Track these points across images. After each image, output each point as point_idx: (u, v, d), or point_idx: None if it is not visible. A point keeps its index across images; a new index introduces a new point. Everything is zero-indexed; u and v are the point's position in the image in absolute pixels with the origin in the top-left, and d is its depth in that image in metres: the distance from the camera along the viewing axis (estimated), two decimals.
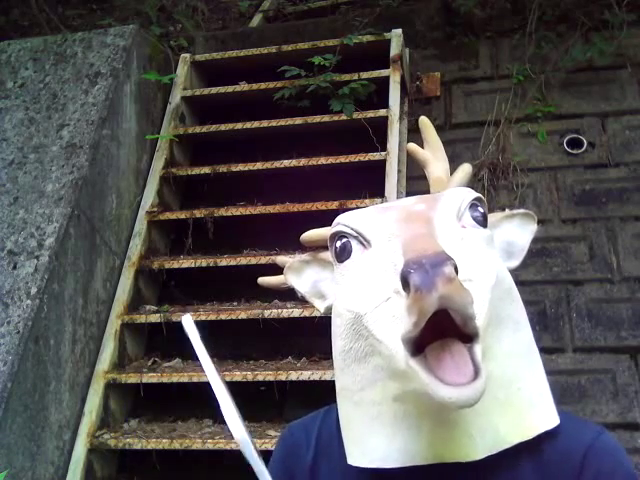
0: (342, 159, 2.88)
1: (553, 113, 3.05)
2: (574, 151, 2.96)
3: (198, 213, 2.93)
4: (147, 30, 3.50)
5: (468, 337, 0.64)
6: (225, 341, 2.78)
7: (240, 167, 3.01)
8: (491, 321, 0.70)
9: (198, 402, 2.65)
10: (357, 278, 0.75)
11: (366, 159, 2.85)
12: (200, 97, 3.34)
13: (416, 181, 3.04)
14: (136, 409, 2.72)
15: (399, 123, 2.98)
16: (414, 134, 3.15)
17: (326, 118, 3.01)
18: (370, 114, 2.97)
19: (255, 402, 2.59)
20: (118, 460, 2.61)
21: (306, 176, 2.94)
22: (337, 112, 2.97)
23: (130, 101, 3.03)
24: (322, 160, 2.90)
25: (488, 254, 0.76)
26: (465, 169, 0.97)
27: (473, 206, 0.79)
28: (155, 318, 2.69)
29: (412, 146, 1.00)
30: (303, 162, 2.92)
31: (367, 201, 2.67)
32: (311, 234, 0.94)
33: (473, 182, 2.96)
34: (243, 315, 2.58)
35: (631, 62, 3.05)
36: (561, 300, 2.67)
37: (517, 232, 0.88)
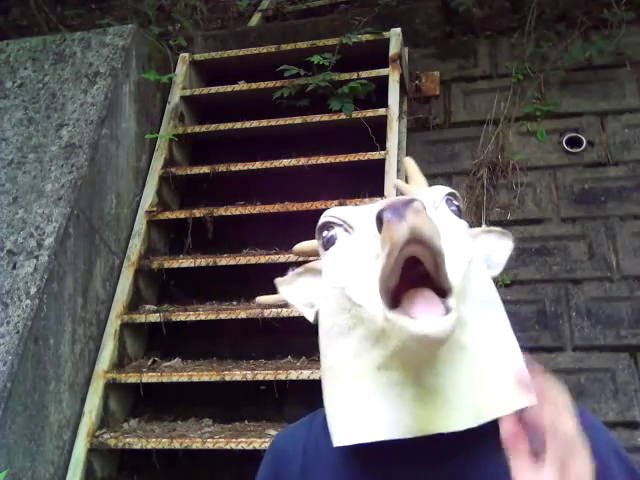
0: (341, 158, 2.88)
1: (552, 112, 3.05)
2: (573, 150, 2.96)
3: (197, 213, 2.93)
4: (146, 30, 3.50)
5: (442, 292, 0.67)
6: (225, 340, 2.78)
7: (239, 166, 3.01)
8: (467, 296, 0.73)
9: (198, 402, 2.65)
10: (341, 258, 0.78)
11: (365, 158, 2.85)
12: (199, 97, 3.34)
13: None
14: (136, 409, 2.72)
15: (398, 122, 2.98)
16: (413, 133, 3.15)
17: (325, 117, 3.01)
18: (369, 113, 2.97)
19: (255, 401, 2.59)
20: (118, 460, 2.61)
21: (305, 175, 2.94)
22: (336, 111, 2.97)
23: (129, 101, 3.03)
24: (321, 159, 2.90)
25: (465, 237, 0.79)
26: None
27: (448, 200, 0.83)
28: (155, 318, 2.69)
29: (398, 182, 1.05)
30: (302, 161, 2.92)
31: (367, 200, 2.66)
32: (303, 245, 0.97)
33: (473, 181, 2.96)
34: (243, 314, 2.58)
35: (630, 61, 3.05)
36: (560, 299, 2.67)
37: (494, 246, 0.91)
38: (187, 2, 4.10)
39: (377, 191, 2.71)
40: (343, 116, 2.96)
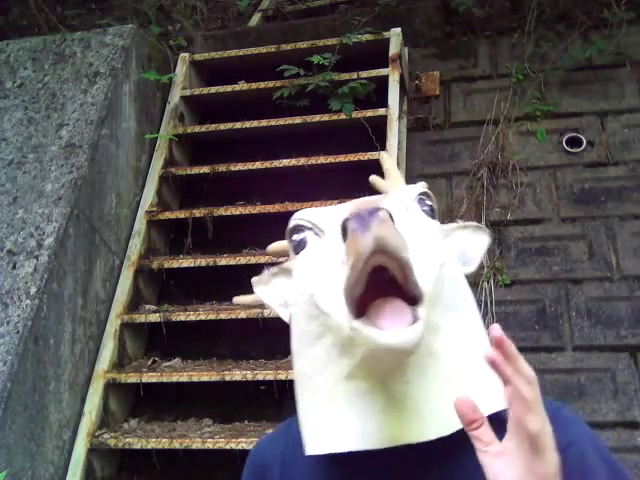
0: (341, 158, 2.88)
1: (552, 112, 3.05)
2: (573, 150, 2.96)
3: (197, 212, 2.93)
4: (146, 30, 3.50)
5: (412, 300, 0.66)
6: (225, 340, 2.78)
7: (239, 166, 3.01)
8: (439, 300, 0.71)
9: (198, 402, 2.65)
10: (310, 263, 0.77)
11: (365, 158, 2.85)
12: (199, 96, 3.34)
13: (415, 180, 3.03)
14: (136, 409, 2.72)
15: (398, 122, 2.98)
16: (413, 133, 3.15)
17: (325, 117, 3.01)
18: (369, 113, 2.97)
19: (255, 401, 2.59)
20: (118, 460, 2.61)
21: (305, 175, 2.94)
22: (336, 111, 2.97)
23: (129, 101, 3.03)
24: (321, 159, 2.90)
25: (437, 238, 0.79)
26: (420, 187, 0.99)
27: (421, 200, 0.82)
28: (155, 318, 2.69)
29: (373, 178, 1.04)
30: (302, 161, 2.92)
31: None
32: (276, 246, 0.97)
33: (473, 181, 2.96)
34: (243, 314, 2.58)
35: (630, 61, 3.05)
36: (560, 299, 2.67)
37: (469, 242, 0.91)
38: (187, 2, 4.10)
39: (377, 191, 2.70)
40: (343, 116, 2.96)
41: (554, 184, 2.91)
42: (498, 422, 0.71)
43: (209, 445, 2.33)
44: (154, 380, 2.57)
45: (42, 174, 2.64)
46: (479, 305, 2.69)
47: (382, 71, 3.07)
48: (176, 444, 2.36)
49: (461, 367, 0.74)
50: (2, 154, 2.73)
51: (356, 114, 2.96)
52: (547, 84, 3.11)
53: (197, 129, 3.25)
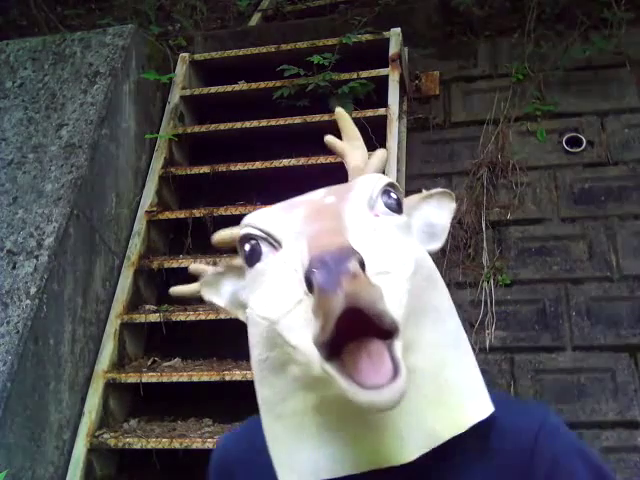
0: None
1: (552, 112, 3.05)
2: (573, 150, 2.96)
3: (197, 213, 2.92)
4: (146, 29, 3.50)
5: (387, 333, 0.60)
6: (225, 340, 2.78)
7: (239, 166, 3.01)
8: (412, 312, 0.66)
9: (198, 402, 2.65)
10: (268, 282, 0.70)
11: None
12: (199, 96, 3.34)
13: (416, 180, 3.04)
14: (136, 409, 2.72)
15: (398, 122, 2.98)
16: (413, 133, 3.15)
17: (325, 117, 3.00)
18: (369, 113, 2.97)
19: (255, 401, 2.59)
20: (118, 460, 2.61)
21: (305, 175, 2.93)
22: None
23: (129, 101, 3.03)
24: (321, 159, 2.90)
25: (404, 242, 0.72)
26: (379, 155, 0.93)
27: (386, 192, 0.76)
28: (155, 318, 2.69)
29: (329, 138, 0.94)
30: (302, 161, 2.92)
31: None
32: (223, 234, 0.91)
33: (473, 181, 2.96)
34: None
35: (630, 61, 3.05)
36: (560, 299, 2.67)
37: (436, 212, 0.86)
38: (187, 2, 4.10)
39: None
40: None
41: (554, 184, 2.91)
42: (481, 431, 0.71)
43: (209, 445, 2.33)
44: (154, 380, 2.57)
45: (42, 174, 2.64)
46: (479, 305, 2.69)
47: (382, 71, 3.07)
48: (176, 444, 2.36)
49: (440, 376, 0.71)
50: (2, 154, 2.73)
51: (356, 114, 2.96)
52: (547, 84, 3.11)
53: (197, 129, 3.25)
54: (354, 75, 3.06)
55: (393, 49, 3.11)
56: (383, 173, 0.89)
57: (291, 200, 0.78)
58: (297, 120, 3.03)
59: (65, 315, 2.45)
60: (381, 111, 2.95)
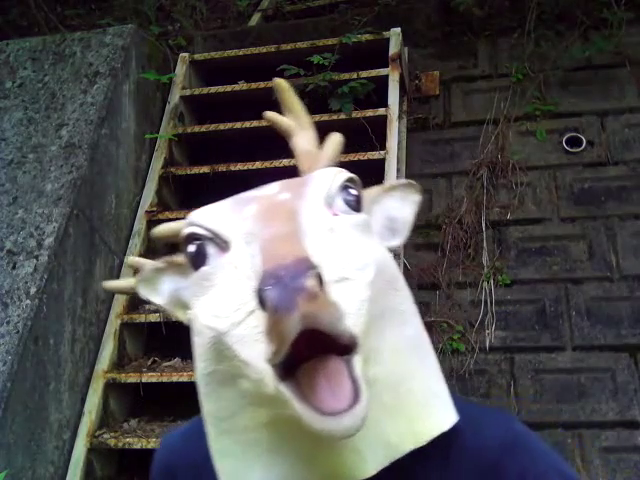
0: (341, 158, 2.85)
1: (552, 112, 3.05)
2: (573, 149, 2.96)
3: None
4: (146, 29, 3.50)
5: (346, 348, 0.56)
6: None
7: (239, 166, 3.01)
8: (373, 319, 0.62)
9: (198, 402, 2.65)
10: (216, 289, 0.64)
11: (365, 158, 2.84)
12: (199, 96, 3.34)
13: (415, 180, 3.03)
14: (136, 409, 2.72)
15: (398, 122, 2.98)
16: (413, 133, 3.15)
17: (325, 117, 3.00)
18: (369, 113, 2.97)
19: None
20: (118, 460, 2.61)
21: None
22: (336, 111, 2.97)
23: (129, 101, 3.03)
24: None
25: (364, 244, 0.66)
26: (334, 141, 0.85)
27: (345, 188, 0.70)
28: (155, 318, 2.69)
29: (270, 114, 0.85)
30: None
31: None
32: (162, 229, 0.84)
33: (472, 181, 2.96)
34: None
35: (630, 60, 3.05)
36: (560, 299, 2.67)
37: (398, 206, 0.80)
38: (187, 2, 4.10)
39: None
40: (343, 116, 2.96)
41: (554, 184, 2.91)
42: (443, 443, 0.68)
43: None
44: (154, 380, 2.57)
45: (42, 174, 2.64)
46: (479, 305, 2.69)
47: (382, 71, 3.07)
48: None
49: (401, 386, 0.67)
50: (2, 154, 2.73)
51: (356, 114, 2.96)
52: (547, 84, 3.11)
53: (197, 129, 3.25)
54: (354, 75, 3.06)
55: (393, 49, 3.11)
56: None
57: (241, 195, 0.71)
58: None
59: (65, 315, 2.45)
60: (381, 111, 2.95)
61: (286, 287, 0.50)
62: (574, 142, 2.97)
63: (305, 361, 0.56)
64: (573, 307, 2.64)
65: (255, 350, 0.57)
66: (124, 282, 0.86)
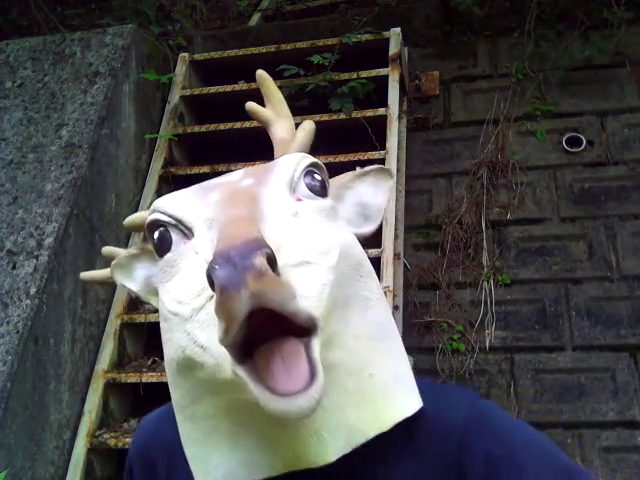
0: (341, 158, 2.88)
1: (552, 111, 3.05)
2: (573, 149, 2.96)
3: None
4: (146, 29, 3.50)
5: (304, 330, 0.56)
6: None
7: (239, 166, 2.99)
8: (336, 304, 0.62)
9: None
10: (179, 275, 0.65)
11: (365, 158, 2.84)
12: (199, 96, 3.34)
13: (415, 179, 3.04)
14: (136, 409, 2.72)
15: (398, 122, 2.98)
16: (413, 133, 3.15)
17: (325, 117, 3.00)
18: (369, 113, 2.97)
19: None
20: (118, 460, 2.61)
21: None
22: (336, 111, 2.97)
23: (129, 101, 3.03)
24: (321, 159, 2.85)
25: (328, 228, 0.66)
26: (306, 127, 0.87)
27: (309, 173, 0.70)
28: (155, 317, 2.69)
29: (251, 105, 0.87)
30: None
31: None
32: (134, 218, 0.82)
33: (472, 181, 2.96)
34: None
35: (630, 60, 3.05)
36: (560, 298, 2.67)
37: (371, 192, 0.79)
38: (187, 2, 4.10)
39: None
40: (343, 116, 2.96)
41: (554, 184, 2.91)
42: (408, 428, 0.67)
43: None
44: (154, 380, 2.57)
45: (42, 174, 2.64)
46: (479, 305, 2.69)
47: (382, 71, 3.07)
48: None
49: (363, 371, 0.66)
50: (2, 154, 2.73)
51: (356, 114, 2.96)
52: (547, 84, 3.11)
53: (197, 129, 3.25)
54: (354, 75, 3.06)
55: (393, 49, 3.11)
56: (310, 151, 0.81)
57: (206, 182, 0.71)
58: (297, 120, 3.00)
59: (65, 315, 2.45)
60: (381, 111, 2.95)
61: (235, 266, 0.50)
62: (574, 142, 2.97)
63: (263, 344, 0.56)
64: (573, 307, 2.64)
65: (214, 335, 0.56)
66: (100, 272, 0.86)
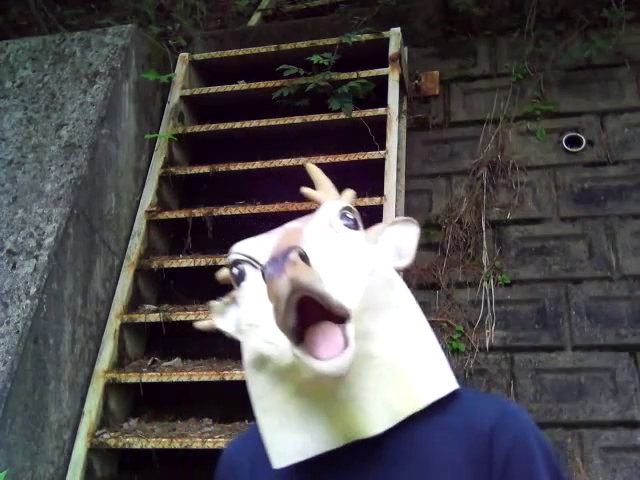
0: (341, 158, 2.88)
1: (552, 111, 3.05)
2: (573, 149, 2.96)
3: (197, 212, 2.92)
4: (146, 29, 3.50)
5: (340, 318, 0.74)
6: (225, 340, 2.78)
7: (239, 166, 3.01)
8: (369, 306, 0.79)
9: (198, 401, 2.65)
10: (251, 295, 0.84)
11: (365, 158, 2.85)
12: (199, 96, 3.34)
13: (415, 179, 3.04)
14: (136, 409, 2.72)
15: (398, 122, 2.98)
16: (413, 132, 3.15)
17: (325, 117, 3.00)
18: (369, 113, 2.97)
19: None
20: (118, 460, 2.61)
21: (305, 175, 2.93)
22: (336, 111, 2.97)
23: (129, 100, 3.03)
24: (321, 159, 2.90)
25: (361, 249, 0.86)
26: (347, 195, 1.07)
27: (343, 215, 0.90)
28: (154, 317, 2.69)
29: (306, 190, 1.09)
30: (302, 161, 2.91)
31: (366, 200, 2.67)
32: (224, 273, 1.01)
33: (472, 181, 2.96)
34: None
35: (630, 60, 3.05)
36: (560, 298, 2.67)
37: (402, 237, 0.97)
38: (187, 2, 4.10)
39: (377, 190, 2.71)
40: (343, 116, 2.96)
41: (554, 183, 2.91)
42: (445, 409, 0.83)
43: (209, 445, 2.33)
44: (154, 380, 2.57)
45: (42, 174, 2.64)
46: (479, 305, 2.69)
47: (382, 71, 3.07)
48: (176, 444, 2.36)
49: (399, 362, 0.82)
50: (2, 154, 2.73)
51: (356, 114, 2.96)
52: (547, 83, 3.11)
53: (197, 129, 3.25)
54: (354, 75, 3.06)
55: (393, 49, 3.11)
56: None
57: (272, 230, 0.91)
58: (297, 120, 3.03)
59: (65, 315, 2.45)
60: (381, 111, 2.95)
61: (277, 261, 0.70)
62: (574, 142, 2.97)
63: (308, 328, 0.74)
64: (573, 307, 2.64)
65: (277, 333, 0.74)
66: (207, 322, 1.03)
